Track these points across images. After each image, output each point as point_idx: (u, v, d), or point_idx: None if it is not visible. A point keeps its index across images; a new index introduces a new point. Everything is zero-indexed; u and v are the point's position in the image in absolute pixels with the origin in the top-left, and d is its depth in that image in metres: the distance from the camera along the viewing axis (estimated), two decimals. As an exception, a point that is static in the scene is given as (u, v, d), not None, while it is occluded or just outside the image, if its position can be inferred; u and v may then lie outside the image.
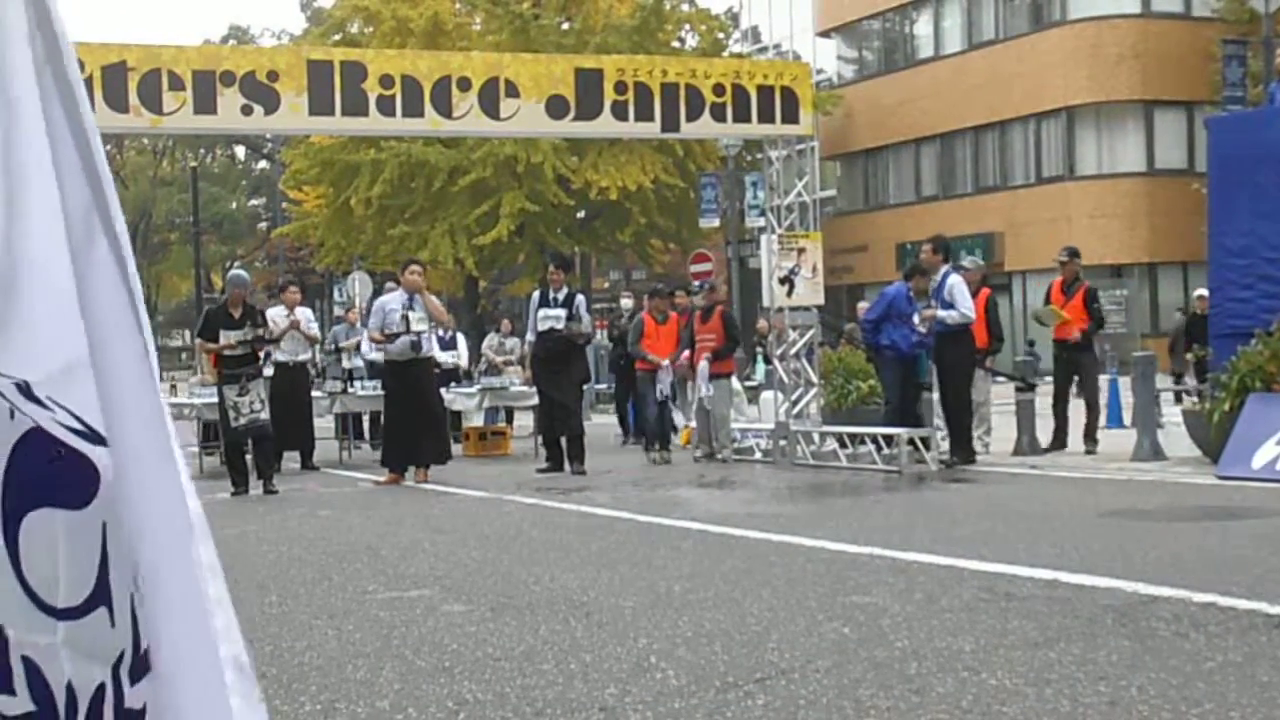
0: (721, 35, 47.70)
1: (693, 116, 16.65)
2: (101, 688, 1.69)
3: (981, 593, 7.41)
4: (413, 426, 16.35)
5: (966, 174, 49.73)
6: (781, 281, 17.44)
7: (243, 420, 15.41)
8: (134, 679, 1.66)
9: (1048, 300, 17.48)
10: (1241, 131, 15.96)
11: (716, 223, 43.08)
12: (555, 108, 16.19)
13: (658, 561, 9.18)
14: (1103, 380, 25.82)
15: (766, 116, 16.89)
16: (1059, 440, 16.64)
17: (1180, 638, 6.10)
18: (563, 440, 17.24)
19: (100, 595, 1.71)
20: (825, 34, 54.96)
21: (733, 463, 17.74)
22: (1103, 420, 21.44)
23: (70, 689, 1.71)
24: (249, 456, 15.98)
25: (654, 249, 46.65)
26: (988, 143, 48.97)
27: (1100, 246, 44.59)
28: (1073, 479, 14.13)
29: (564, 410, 17.19)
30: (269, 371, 19.65)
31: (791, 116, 17.00)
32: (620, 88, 16.40)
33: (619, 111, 16.44)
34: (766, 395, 19.65)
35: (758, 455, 18.18)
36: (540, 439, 18.16)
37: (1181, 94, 43.69)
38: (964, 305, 15.75)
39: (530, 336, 17.47)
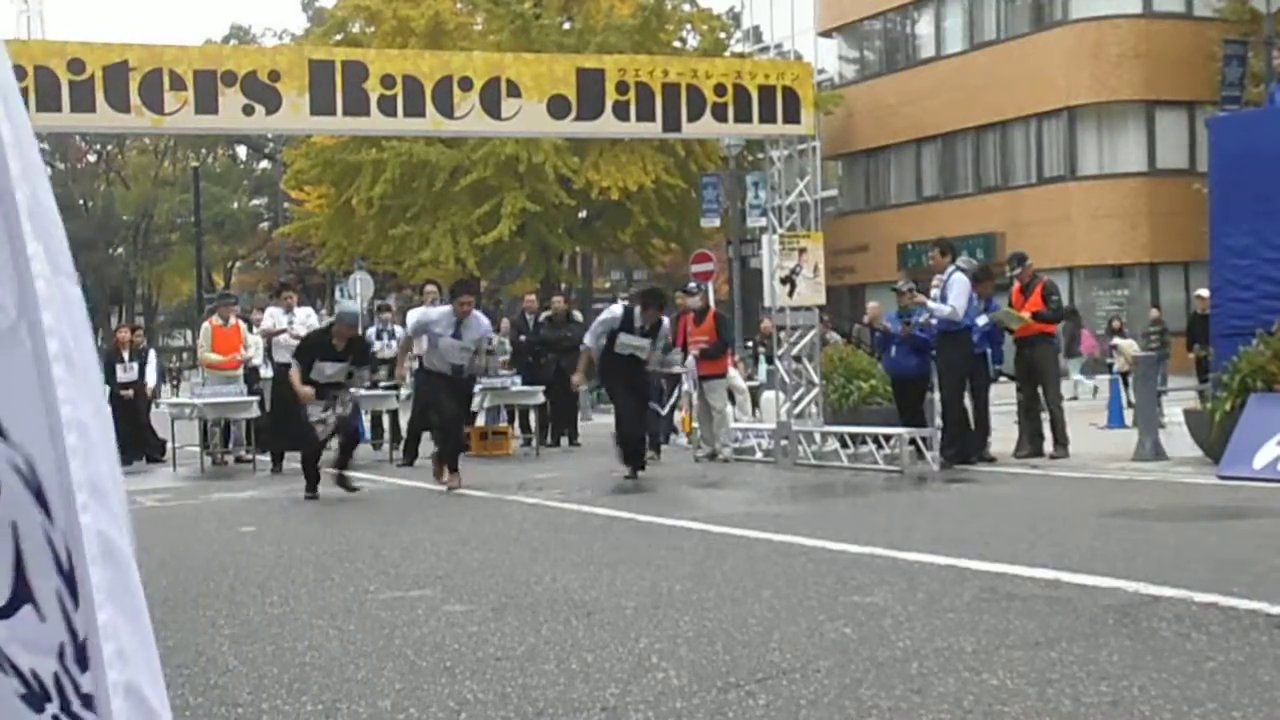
0: (723, 35, 47.72)
1: (694, 116, 16.64)
2: (58, 675, 1.70)
3: (983, 593, 7.41)
4: (439, 429, 16.19)
5: (968, 174, 49.70)
6: (783, 281, 17.44)
7: (329, 430, 15.00)
8: (81, 668, 1.67)
9: (1010, 306, 17.31)
10: (1243, 131, 15.96)
11: (717, 223, 43.06)
12: (557, 108, 16.19)
13: (659, 561, 9.18)
14: (1103, 380, 25.82)
15: (768, 116, 16.88)
16: (1035, 445, 16.49)
17: (1182, 638, 6.10)
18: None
19: (22, 594, 1.71)
20: (827, 34, 54.94)
21: (734, 463, 17.74)
22: (1103, 420, 21.49)
23: (37, 676, 1.73)
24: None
25: (655, 249, 46.70)
26: (989, 143, 48.94)
27: (1101, 246, 44.62)
28: (1074, 479, 14.12)
29: (641, 414, 16.95)
30: (268, 373, 19.66)
31: (793, 116, 17.00)
32: (622, 88, 16.39)
33: (620, 111, 16.43)
34: (768, 395, 19.66)
35: (759, 455, 18.17)
36: (619, 446, 16.62)
37: (1183, 94, 43.68)
38: (955, 301, 15.79)
39: (589, 342, 16.70)
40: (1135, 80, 44.94)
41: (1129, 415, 20.18)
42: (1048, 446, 16.40)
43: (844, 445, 16.95)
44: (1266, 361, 13.84)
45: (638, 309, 16.29)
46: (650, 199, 42.71)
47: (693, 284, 22.02)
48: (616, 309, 16.72)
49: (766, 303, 18.31)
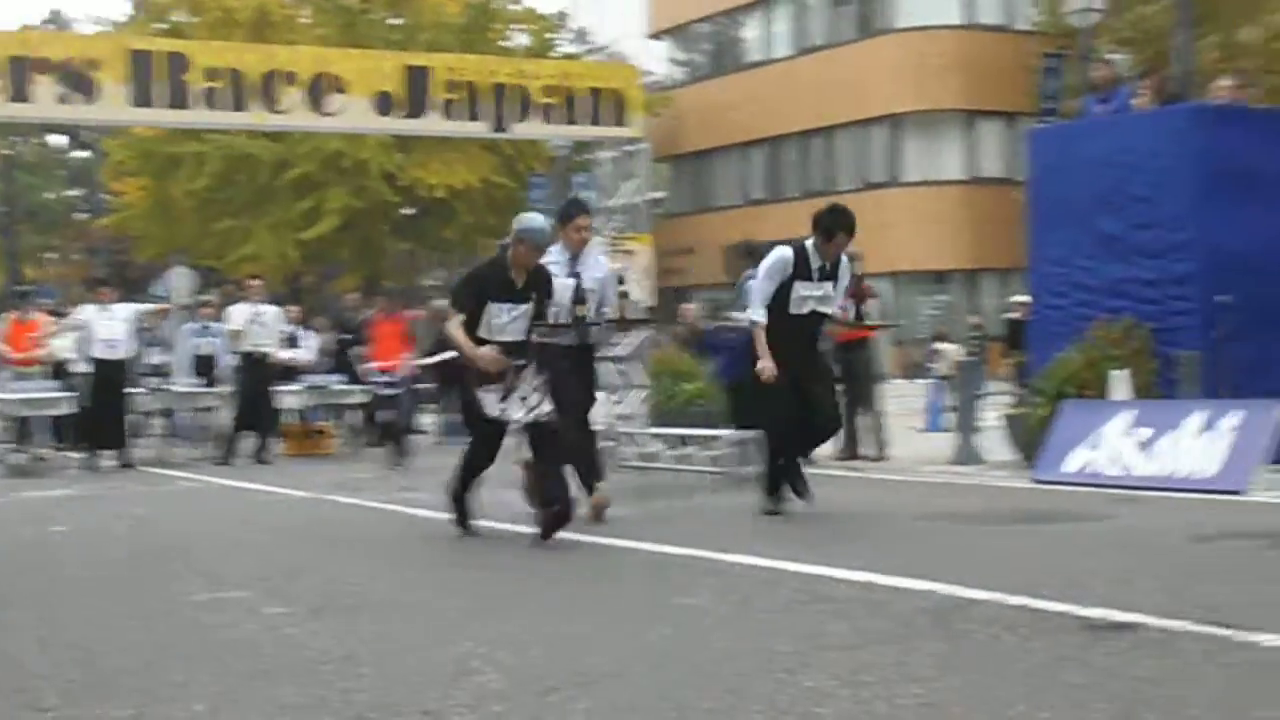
0: (551, 35, 47.73)
1: (522, 117, 16.66)
2: None
3: (799, 594, 7.48)
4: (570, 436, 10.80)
5: (794, 178, 50.26)
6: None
7: (521, 416, 10.02)
8: None
9: None
10: (1059, 143, 16.33)
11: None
12: (383, 105, 16.10)
13: (482, 564, 9.15)
14: (923, 384, 26.25)
15: (595, 119, 16.95)
16: (849, 450, 16.73)
17: (994, 640, 6.21)
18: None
19: None
20: (657, 36, 55.21)
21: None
22: (923, 424, 21.86)
23: None
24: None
25: (483, 248, 46.51)
26: (815, 148, 49.56)
27: (923, 253, 45.41)
28: (892, 481, 14.34)
29: (825, 402, 11.67)
30: (84, 368, 19.22)
31: (620, 119, 17.08)
32: (449, 86, 16.35)
33: (448, 110, 16.40)
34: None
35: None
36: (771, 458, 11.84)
37: (1003, 104, 44.61)
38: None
39: (757, 311, 11.39)
40: (957, 90, 45.85)
41: (948, 419, 20.54)
42: (868, 449, 16.64)
43: (670, 447, 17.00)
44: (1080, 368, 14.20)
45: (811, 242, 11.30)
46: (477, 198, 42.55)
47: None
48: (784, 250, 11.38)
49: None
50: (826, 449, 16.65)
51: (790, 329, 11.15)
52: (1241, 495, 11.71)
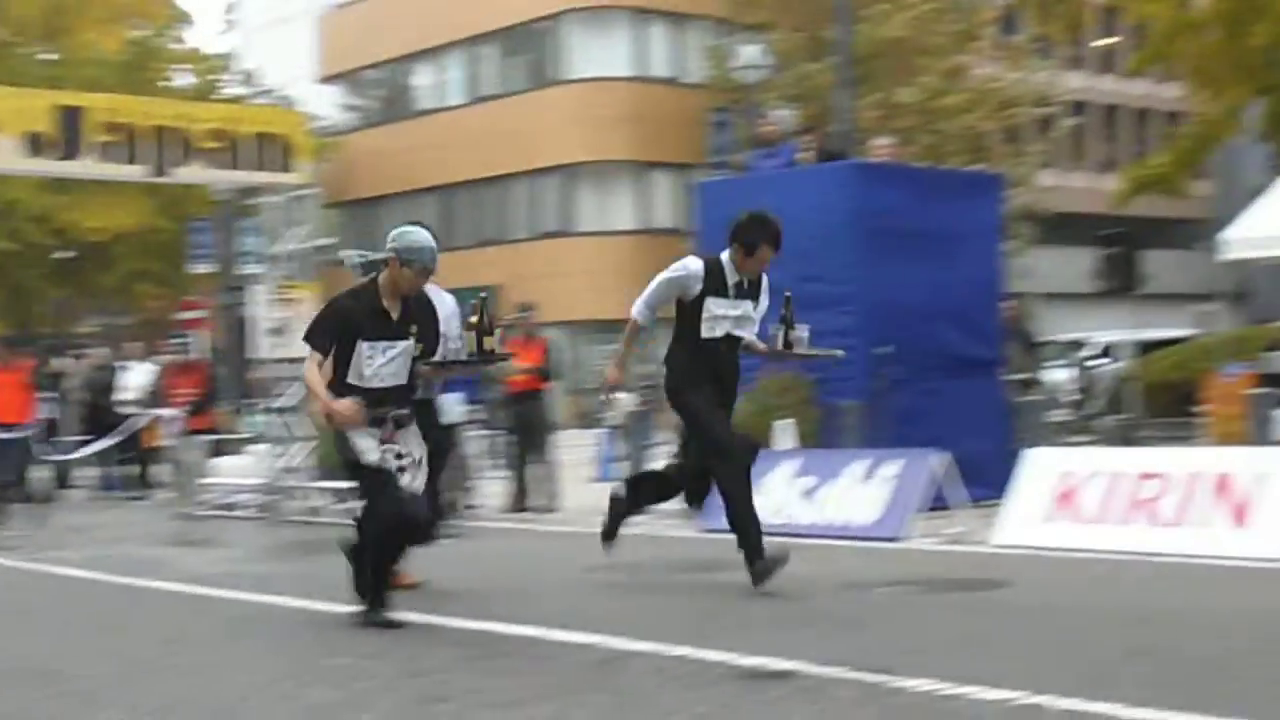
0: (217, 77, 46.78)
1: (184, 161, 16.22)
2: None
3: (463, 652, 7.37)
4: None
5: (466, 226, 50.25)
6: (274, 332, 17.12)
7: (416, 479, 8.37)
8: None
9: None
10: (728, 196, 16.56)
11: (210, 268, 41.93)
12: (34, 145, 15.44)
13: (133, 626, 8.79)
14: (596, 434, 26.39)
15: (260, 164, 16.61)
16: (519, 501, 16.68)
17: (656, 691, 6.20)
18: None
19: None
20: (327, 80, 54.68)
21: (217, 519, 17.16)
22: (594, 473, 21.93)
23: None
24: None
25: (144, 293, 45.14)
26: (487, 196, 49.64)
27: (596, 302, 45.78)
28: (563, 533, 14.29)
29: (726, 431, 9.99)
30: None
31: (286, 164, 16.78)
32: (107, 128, 15.79)
33: (105, 153, 15.85)
34: (257, 448, 19.13)
35: (245, 511, 17.63)
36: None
37: (674, 156, 45.36)
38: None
39: (642, 314, 10.27)
40: (628, 141, 46.52)
41: (620, 469, 20.65)
42: (538, 500, 16.59)
43: (336, 500, 16.64)
44: (746, 418, 14.38)
45: (726, 254, 9.90)
46: (137, 242, 41.38)
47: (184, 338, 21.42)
48: (692, 262, 10.09)
49: (263, 353, 17.89)
50: (496, 500, 16.61)
51: (702, 353, 9.74)
52: (899, 542, 12.03)
